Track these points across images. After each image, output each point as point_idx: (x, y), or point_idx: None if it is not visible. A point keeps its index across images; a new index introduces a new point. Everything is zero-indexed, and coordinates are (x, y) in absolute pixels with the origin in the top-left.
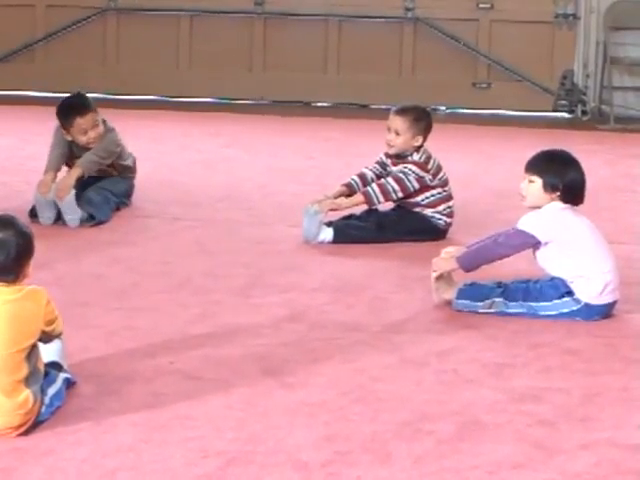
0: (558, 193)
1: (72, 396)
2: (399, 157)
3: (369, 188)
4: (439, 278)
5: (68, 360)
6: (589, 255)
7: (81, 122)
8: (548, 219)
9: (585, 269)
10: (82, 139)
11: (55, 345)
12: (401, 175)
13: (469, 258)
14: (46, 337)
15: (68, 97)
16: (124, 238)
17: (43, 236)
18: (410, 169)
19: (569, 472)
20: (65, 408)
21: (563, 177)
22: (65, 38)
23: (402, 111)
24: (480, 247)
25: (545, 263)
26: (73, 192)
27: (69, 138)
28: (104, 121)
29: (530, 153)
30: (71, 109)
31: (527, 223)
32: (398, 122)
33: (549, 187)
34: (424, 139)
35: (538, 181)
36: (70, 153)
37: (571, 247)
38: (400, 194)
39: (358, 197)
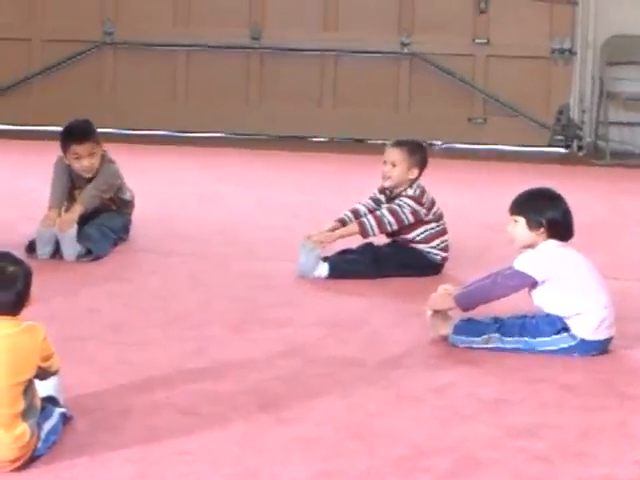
0: (542, 229)
1: (68, 431)
2: (393, 194)
3: (364, 219)
4: (435, 314)
5: (64, 394)
6: (585, 292)
7: (77, 149)
8: (544, 258)
9: (581, 306)
10: (75, 165)
11: (52, 380)
12: (396, 207)
13: (467, 297)
14: (42, 373)
15: (74, 121)
16: (119, 273)
17: (39, 270)
18: (405, 202)
19: None
20: (61, 443)
21: (544, 212)
22: (62, 72)
23: (398, 143)
24: (478, 287)
25: (541, 301)
26: (75, 227)
27: (67, 162)
28: (104, 153)
29: (525, 188)
30: (70, 134)
31: (524, 263)
32: (395, 154)
33: (533, 224)
34: (419, 173)
35: (522, 220)
36: (71, 184)
37: (567, 284)
38: (395, 226)
39: (353, 227)
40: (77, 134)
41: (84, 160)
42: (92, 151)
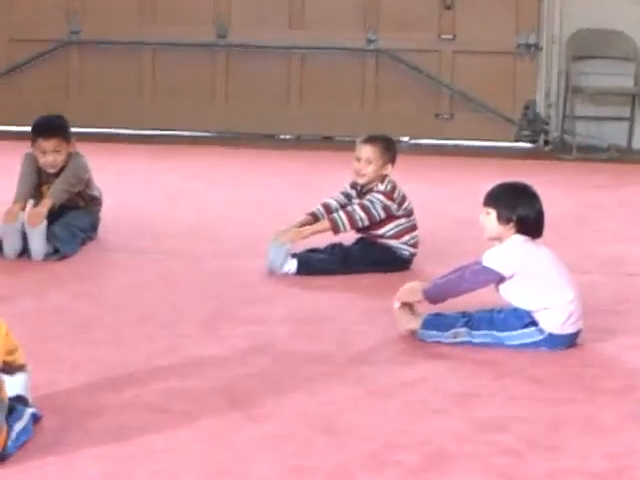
0: (512, 225)
1: (37, 430)
2: (365, 189)
3: (335, 215)
4: (402, 308)
5: (33, 393)
6: (552, 286)
7: (42, 144)
8: (511, 254)
9: (548, 300)
10: (40, 160)
11: (21, 378)
12: (367, 203)
13: (435, 291)
14: (8, 367)
15: (45, 116)
16: (89, 271)
17: (7, 270)
18: (377, 198)
19: None
20: (30, 442)
21: (516, 209)
22: (28, 71)
23: (372, 139)
24: (446, 281)
25: (509, 296)
26: (45, 222)
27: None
28: (73, 150)
29: (493, 183)
30: (37, 128)
31: (492, 259)
32: (369, 150)
33: (503, 219)
34: (391, 168)
35: (493, 213)
36: (39, 180)
37: (534, 279)
38: (366, 222)
39: (324, 223)
40: (44, 129)
41: (49, 155)
42: (57, 147)
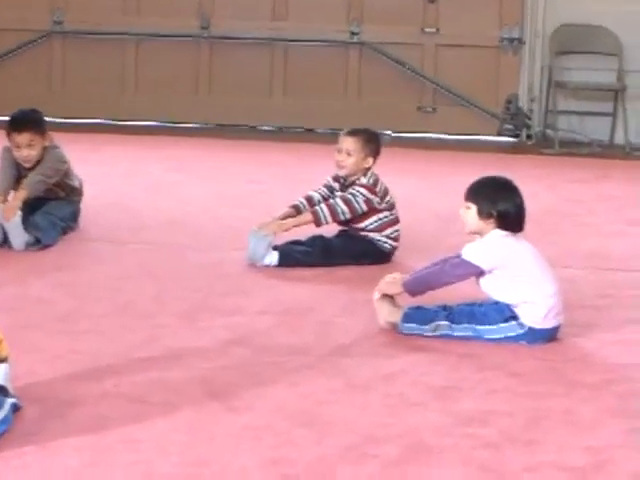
0: (492, 220)
1: (17, 420)
2: (347, 182)
3: (317, 207)
4: (382, 300)
5: (13, 383)
6: (532, 280)
7: (16, 138)
8: (491, 248)
9: (529, 294)
10: (15, 154)
11: (1, 369)
12: (349, 197)
13: (414, 283)
14: None
15: (20, 110)
16: (69, 262)
17: None
18: (359, 191)
19: None
20: (10, 432)
21: (496, 203)
22: (10, 61)
23: (354, 132)
24: (426, 273)
25: (489, 289)
26: (19, 214)
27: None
28: (49, 144)
29: (475, 177)
30: (11, 122)
31: (471, 253)
32: (350, 143)
33: (483, 214)
34: (374, 161)
35: (473, 207)
36: (18, 173)
37: (514, 273)
38: (348, 215)
39: (306, 216)
40: (16, 123)
41: (23, 150)
42: (30, 142)
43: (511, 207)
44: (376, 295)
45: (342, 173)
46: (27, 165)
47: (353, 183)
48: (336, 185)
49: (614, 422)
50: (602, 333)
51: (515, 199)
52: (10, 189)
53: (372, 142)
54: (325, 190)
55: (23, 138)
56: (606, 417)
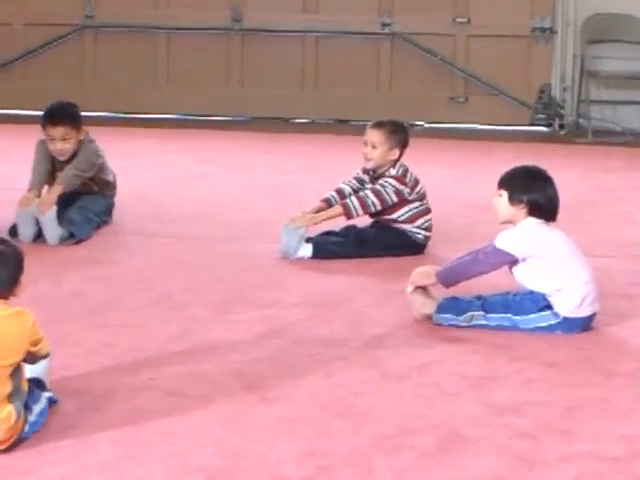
0: (522, 206)
1: (53, 414)
2: (377, 174)
3: (348, 200)
4: (415, 292)
5: (49, 377)
6: (566, 269)
7: (50, 131)
8: (524, 236)
9: (562, 283)
10: (50, 147)
11: (41, 364)
12: (380, 188)
13: (448, 274)
14: (31, 358)
15: (56, 102)
16: (103, 255)
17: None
18: (389, 182)
19: None
20: (46, 426)
21: (527, 190)
22: (43, 56)
23: (378, 124)
24: (459, 263)
25: (522, 278)
26: (55, 208)
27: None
28: (84, 137)
29: (507, 167)
30: (46, 115)
31: (504, 241)
32: (374, 135)
33: (514, 200)
34: (401, 153)
35: (505, 194)
36: (52, 167)
37: (548, 262)
38: (379, 207)
39: (337, 209)
40: (52, 116)
41: (57, 143)
42: (65, 135)
43: (542, 195)
44: (409, 288)
45: (369, 166)
46: (62, 158)
47: (382, 175)
48: (366, 177)
49: None
50: (636, 321)
51: (547, 187)
52: (44, 183)
53: (397, 133)
54: (355, 182)
55: (57, 132)
56: None
